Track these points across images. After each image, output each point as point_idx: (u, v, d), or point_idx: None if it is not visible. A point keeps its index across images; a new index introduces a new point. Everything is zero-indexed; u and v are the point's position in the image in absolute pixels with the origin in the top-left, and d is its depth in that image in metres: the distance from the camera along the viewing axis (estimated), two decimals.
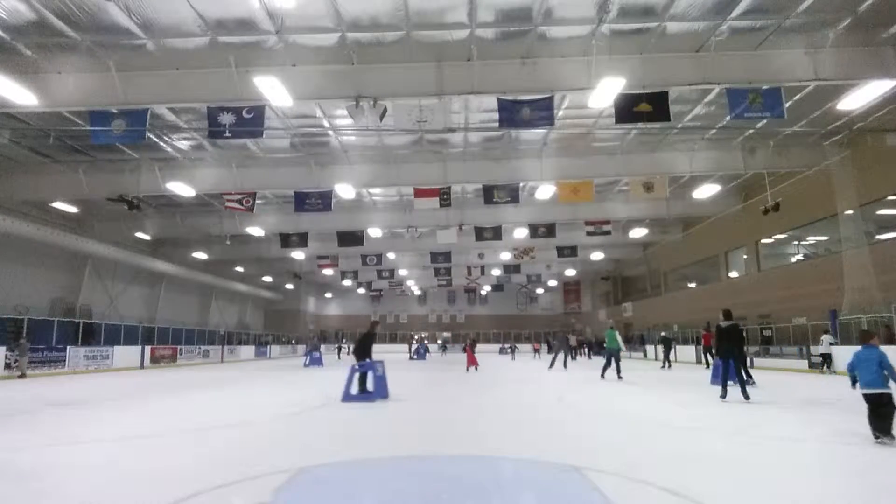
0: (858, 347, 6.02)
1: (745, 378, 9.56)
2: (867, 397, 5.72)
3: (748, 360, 13.03)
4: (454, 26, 10.55)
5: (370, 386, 9.96)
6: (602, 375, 14.84)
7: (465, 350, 21.69)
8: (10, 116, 13.18)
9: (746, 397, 9.46)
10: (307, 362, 25.38)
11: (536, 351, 42.41)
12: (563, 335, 24.28)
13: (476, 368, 19.73)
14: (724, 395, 9.64)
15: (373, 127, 12.88)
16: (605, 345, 15.96)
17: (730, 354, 9.65)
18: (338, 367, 23.55)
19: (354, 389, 9.75)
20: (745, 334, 13.47)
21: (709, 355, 18.79)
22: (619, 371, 14.68)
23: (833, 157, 17.33)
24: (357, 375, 9.82)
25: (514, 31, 10.81)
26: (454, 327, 55.25)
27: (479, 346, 39.77)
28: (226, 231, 24.59)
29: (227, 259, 31.55)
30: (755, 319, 22.94)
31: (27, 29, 10.10)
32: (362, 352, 9.99)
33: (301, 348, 45.26)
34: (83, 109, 12.25)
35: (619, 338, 15.16)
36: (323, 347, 48.60)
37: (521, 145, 17.00)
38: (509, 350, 41.29)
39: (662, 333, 25.29)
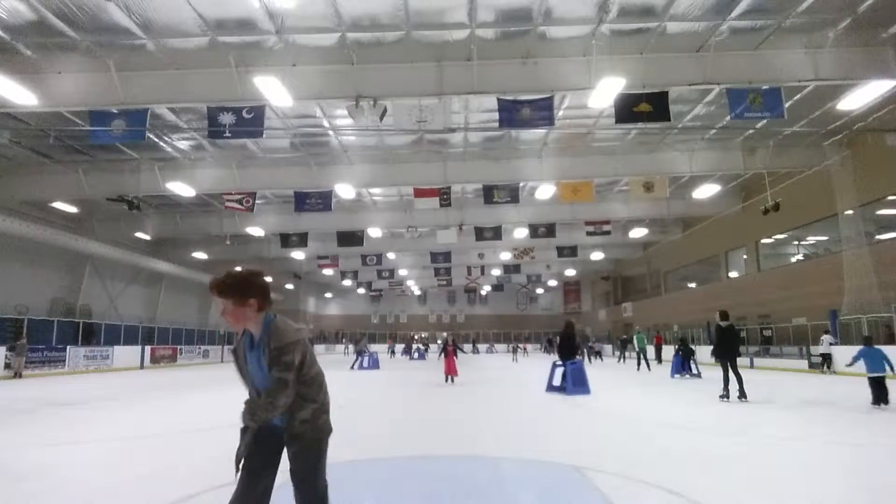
0: (860, 347, 9.06)
1: (740, 377, 9.62)
2: (873, 379, 8.67)
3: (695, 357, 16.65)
4: (454, 26, 10.54)
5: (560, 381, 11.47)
6: (637, 368, 19.49)
7: (443, 352, 15.10)
8: (10, 116, 13.17)
9: (744, 396, 9.50)
10: (365, 364, 21.99)
11: (524, 350, 42.68)
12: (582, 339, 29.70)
13: (453, 380, 14.21)
14: (725, 396, 9.66)
15: (373, 127, 12.89)
16: (635, 345, 20.68)
17: (728, 354, 9.68)
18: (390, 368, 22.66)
19: (556, 382, 11.45)
20: (743, 334, 16.30)
21: (660, 353, 24.51)
22: (648, 365, 19.60)
23: (833, 157, 17.33)
24: (559, 371, 11.51)
25: (514, 31, 10.81)
26: (454, 327, 55.23)
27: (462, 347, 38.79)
28: (226, 231, 24.56)
29: (227, 259, 31.49)
30: (755, 319, 22.96)
31: (27, 29, 10.10)
32: (569, 351, 11.44)
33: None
34: (83, 109, 12.24)
35: (645, 339, 19.58)
36: (322, 347, 48.65)
37: (521, 145, 16.99)
38: (510, 350, 40.25)
39: (623, 336, 29.47)
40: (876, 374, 8.60)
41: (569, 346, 11.51)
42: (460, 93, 11.67)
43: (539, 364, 26.87)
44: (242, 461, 2.29)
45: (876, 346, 8.98)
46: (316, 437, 2.41)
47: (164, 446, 5.91)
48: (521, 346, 42.61)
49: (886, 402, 8.59)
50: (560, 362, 11.45)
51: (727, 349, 9.68)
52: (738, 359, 9.87)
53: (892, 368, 8.46)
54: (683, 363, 16.10)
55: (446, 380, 14.19)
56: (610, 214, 23.40)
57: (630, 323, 36.98)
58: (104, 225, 23.45)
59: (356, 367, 22.03)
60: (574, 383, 11.02)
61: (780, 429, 6.94)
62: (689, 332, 26.81)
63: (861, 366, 8.83)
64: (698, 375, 15.58)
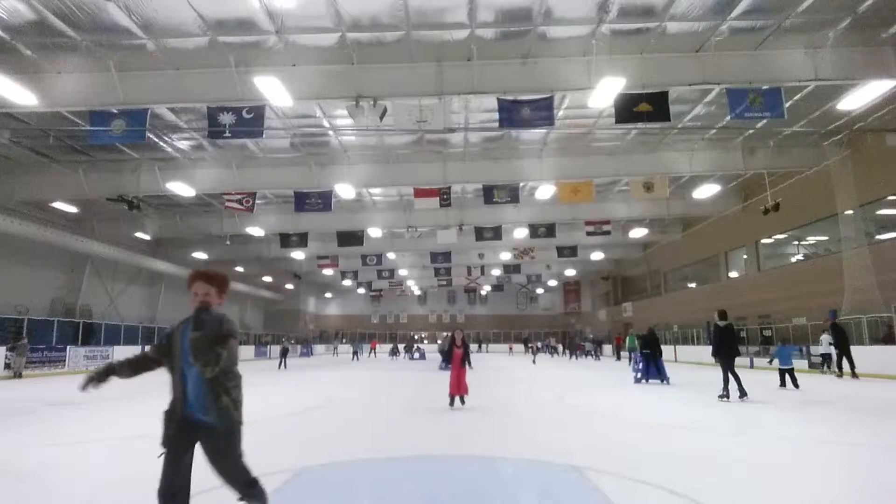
0: (778, 346, 12.60)
1: (737, 376, 9.64)
2: (784, 370, 11.88)
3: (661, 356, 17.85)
4: (454, 26, 10.54)
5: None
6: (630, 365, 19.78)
7: (447, 358, 9.83)
8: (10, 116, 13.17)
9: (745, 394, 9.51)
10: (416, 357, 24.67)
11: (510, 350, 43.49)
12: (572, 339, 34.02)
13: (462, 401, 9.22)
14: (725, 396, 9.66)
15: (373, 127, 12.88)
16: (626, 344, 21.85)
17: (729, 354, 9.70)
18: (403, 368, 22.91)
19: (640, 375, 14.39)
20: (743, 334, 17.31)
21: (620, 352, 29.42)
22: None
23: (833, 157, 17.32)
24: (643, 364, 14.46)
25: (514, 31, 10.80)
26: (454, 327, 55.20)
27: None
28: (226, 231, 24.57)
29: (227, 259, 31.52)
30: (755, 319, 22.94)
31: (27, 29, 10.10)
32: (654, 347, 14.49)
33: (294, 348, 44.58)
34: (83, 109, 12.24)
35: (637, 342, 20.26)
36: (322, 347, 48.34)
37: (521, 145, 16.99)
38: (529, 350, 36.64)
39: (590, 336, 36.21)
40: (786, 367, 11.90)
41: (654, 345, 14.51)
42: (460, 93, 11.67)
43: (562, 367, 26.83)
44: (168, 447, 2.88)
45: (786, 345, 12.72)
46: (229, 425, 2.86)
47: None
48: (538, 345, 39.34)
49: (797, 386, 11.59)
50: (641, 358, 14.65)
51: (728, 349, 9.69)
52: (738, 358, 9.90)
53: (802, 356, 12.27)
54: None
55: (452, 402, 9.20)
56: (610, 214, 23.40)
57: (630, 323, 37.03)
58: (104, 225, 23.46)
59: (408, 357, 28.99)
60: (664, 375, 14.16)
61: (780, 429, 6.95)
62: (691, 332, 26.94)
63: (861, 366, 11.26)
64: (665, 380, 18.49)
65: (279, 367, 23.43)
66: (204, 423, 2.76)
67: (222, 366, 2.71)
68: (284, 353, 25.55)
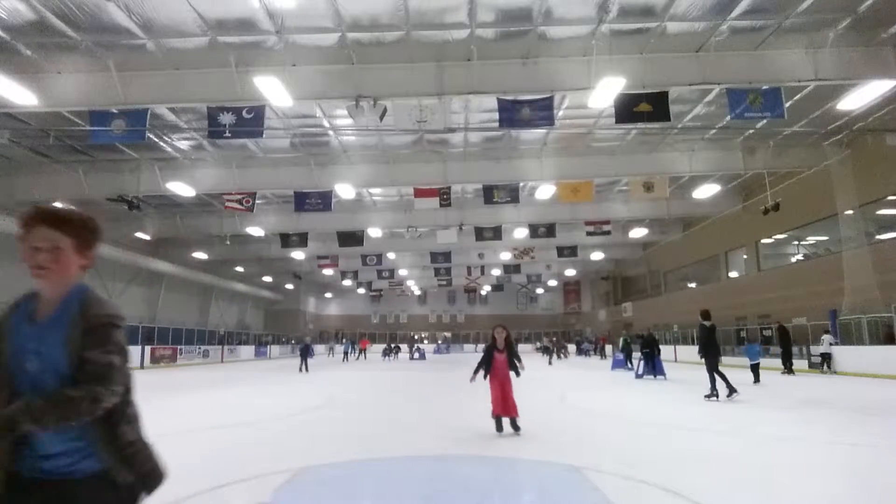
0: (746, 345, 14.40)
1: (724, 375, 9.77)
2: (753, 365, 13.09)
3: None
4: (454, 26, 10.54)
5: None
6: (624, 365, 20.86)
7: (483, 364, 6.82)
8: (10, 116, 13.16)
9: (734, 391, 9.58)
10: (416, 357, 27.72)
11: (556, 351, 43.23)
12: (558, 338, 35.37)
13: (515, 425, 6.61)
14: (714, 395, 9.73)
15: (373, 127, 12.89)
16: (621, 346, 22.64)
17: (715, 354, 9.83)
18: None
19: (641, 371, 15.94)
20: (743, 334, 18.93)
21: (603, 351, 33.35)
22: (631, 363, 20.18)
23: (833, 157, 17.33)
24: (643, 362, 16.04)
25: (514, 31, 10.80)
26: (454, 327, 55.25)
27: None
28: (226, 231, 24.57)
29: (227, 259, 31.54)
30: (755, 319, 22.94)
31: (27, 29, 10.10)
32: (652, 347, 15.82)
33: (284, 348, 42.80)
34: (83, 109, 12.24)
35: (638, 342, 20.62)
36: (323, 348, 48.36)
37: (521, 145, 16.99)
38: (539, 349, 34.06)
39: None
40: (755, 362, 13.14)
41: (653, 347, 15.86)
42: (460, 93, 11.67)
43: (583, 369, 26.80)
44: None
45: (752, 343, 14.42)
46: (117, 481, 1.54)
47: (164, 446, 5.90)
48: (554, 343, 34.68)
49: (758, 381, 12.78)
50: (641, 357, 16.14)
51: (715, 348, 9.84)
52: (735, 358, 9.98)
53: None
54: (625, 358, 20.92)
55: (499, 425, 6.66)
56: (610, 214, 23.40)
57: (630, 323, 37.03)
58: (104, 225, 23.24)
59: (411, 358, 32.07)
60: (661, 371, 15.66)
61: (779, 429, 6.95)
62: (691, 332, 26.95)
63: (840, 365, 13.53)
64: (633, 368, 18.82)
65: (300, 370, 20.40)
66: (65, 479, 1.47)
67: (124, 383, 1.54)
68: (305, 353, 21.55)
